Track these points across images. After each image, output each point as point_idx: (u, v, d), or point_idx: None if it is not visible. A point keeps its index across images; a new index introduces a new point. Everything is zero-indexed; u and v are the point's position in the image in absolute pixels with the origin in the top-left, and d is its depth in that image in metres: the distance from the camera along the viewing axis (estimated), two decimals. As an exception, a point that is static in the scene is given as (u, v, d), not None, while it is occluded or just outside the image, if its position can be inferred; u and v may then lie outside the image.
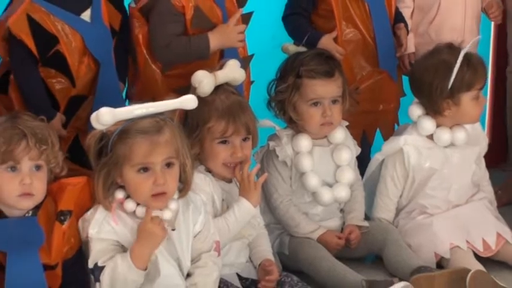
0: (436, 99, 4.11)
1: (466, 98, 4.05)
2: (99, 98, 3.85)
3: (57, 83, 3.85)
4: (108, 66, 3.90)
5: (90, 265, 3.32)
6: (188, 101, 3.38)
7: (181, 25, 4.01)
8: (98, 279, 3.31)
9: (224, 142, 3.70)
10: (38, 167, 3.30)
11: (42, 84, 3.82)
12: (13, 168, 3.26)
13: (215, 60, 4.00)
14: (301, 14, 4.35)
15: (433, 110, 4.14)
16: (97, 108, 3.59)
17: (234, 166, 3.71)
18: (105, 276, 3.30)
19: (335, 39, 4.27)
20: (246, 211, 3.68)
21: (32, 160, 3.27)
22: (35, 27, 3.75)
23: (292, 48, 4.11)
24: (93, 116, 3.29)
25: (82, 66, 3.85)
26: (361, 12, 4.34)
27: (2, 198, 3.30)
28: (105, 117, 3.27)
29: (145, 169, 3.30)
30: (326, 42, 4.22)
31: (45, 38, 3.77)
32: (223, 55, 4.02)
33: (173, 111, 3.42)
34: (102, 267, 3.30)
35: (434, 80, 4.09)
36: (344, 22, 4.31)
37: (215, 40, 3.96)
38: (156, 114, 3.36)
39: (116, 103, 3.55)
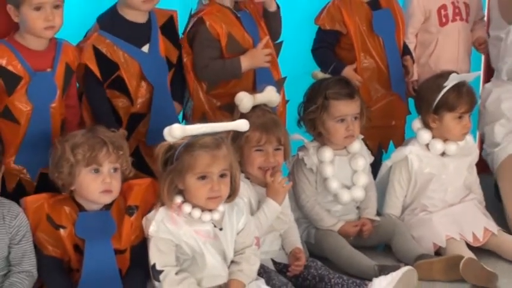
0: (424, 113, 4.16)
1: (449, 117, 4.09)
2: (154, 116, 3.87)
3: (120, 102, 3.86)
4: (162, 90, 3.89)
5: (151, 263, 3.37)
6: (241, 124, 3.46)
7: (218, 50, 3.98)
8: (156, 279, 3.36)
9: (259, 150, 3.73)
10: (115, 169, 3.39)
11: (108, 103, 3.83)
12: (96, 170, 3.35)
13: (249, 79, 4.01)
14: (327, 47, 4.33)
15: (423, 122, 4.17)
16: (153, 124, 3.82)
17: (267, 170, 3.74)
18: (167, 285, 3.33)
19: (355, 69, 4.26)
20: (274, 210, 3.70)
21: (111, 163, 3.37)
22: (99, 55, 3.76)
23: (321, 75, 4.15)
24: (166, 130, 3.35)
25: (140, 88, 3.86)
26: (376, 45, 4.33)
27: (86, 194, 3.38)
28: (176, 132, 3.34)
29: (203, 177, 3.35)
30: (348, 72, 4.23)
31: (107, 65, 3.78)
32: (256, 75, 4.01)
33: (227, 131, 3.50)
34: (161, 271, 3.34)
35: (425, 97, 4.15)
36: (362, 53, 4.30)
37: (246, 62, 3.95)
38: (215, 132, 3.42)
39: (169, 120, 3.62)
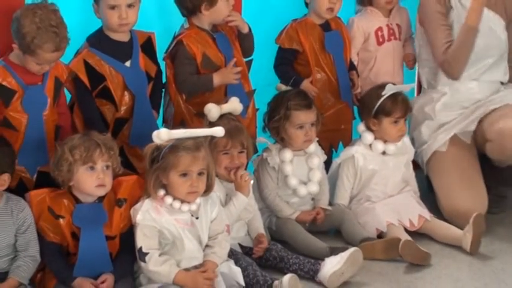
0: (366, 118, 4.22)
1: (386, 122, 4.13)
2: (136, 121, 3.87)
3: (107, 109, 3.85)
4: (143, 98, 3.88)
5: (137, 246, 3.41)
6: (217, 131, 3.49)
7: (194, 66, 3.98)
8: (142, 260, 3.39)
9: (226, 153, 3.75)
10: (107, 167, 3.41)
11: (97, 110, 3.83)
12: (91, 168, 3.38)
13: (221, 91, 4.01)
14: (287, 64, 4.33)
15: (366, 126, 4.21)
16: (135, 128, 3.84)
17: (231, 170, 3.76)
18: (150, 266, 3.37)
19: (310, 81, 4.29)
20: (242, 201, 3.74)
21: (104, 162, 3.39)
22: (89, 68, 3.76)
23: (284, 87, 4.16)
24: (155, 133, 3.39)
25: (123, 97, 3.85)
26: (327, 61, 4.33)
27: (83, 188, 3.40)
28: (163, 135, 3.38)
29: (185, 175, 3.40)
30: (306, 84, 4.24)
31: (96, 77, 3.77)
32: (227, 87, 4.01)
33: (205, 136, 3.54)
34: (146, 253, 3.38)
35: (367, 104, 4.21)
36: (316, 68, 4.31)
37: (217, 78, 3.96)
38: (196, 137, 3.47)
39: (149, 124, 3.77)
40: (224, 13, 4.00)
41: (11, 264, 3.40)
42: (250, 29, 4.08)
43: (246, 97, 4.02)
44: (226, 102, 3.84)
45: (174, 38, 4.00)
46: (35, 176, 3.68)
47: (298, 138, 4.06)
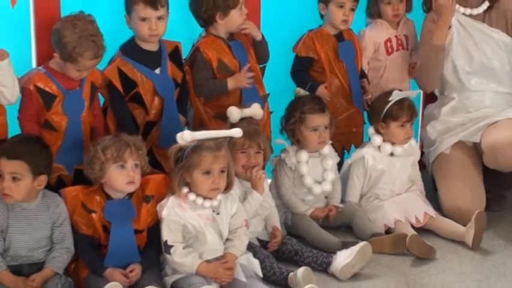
0: (375, 122, 4.20)
1: (393, 125, 4.12)
2: (164, 123, 3.88)
3: (138, 113, 3.86)
4: (170, 103, 3.89)
5: (163, 239, 3.43)
6: (236, 132, 3.53)
7: (210, 71, 3.97)
8: (168, 252, 3.41)
9: (243, 152, 3.75)
10: (136, 165, 3.43)
11: (129, 113, 3.84)
12: (122, 166, 3.40)
13: (237, 95, 4.01)
14: (303, 70, 4.31)
15: (375, 129, 4.20)
16: (163, 130, 3.85)
17: (248, 168, 3.76)
18: (175, 257, 3.40)
19: (326, 87, 4.29)
20: (256, 198, 3.72)
21: (133, 161, 3.42)
22: (122, 75, 3.78)
23: (302, 92, 4.16)
24: (179, 135, 3.42)
25: (153, 102, 3.87)
26: (341, 69, 4.31)
27: (114, 185, 3.43)
28: (186, 137, 3.41)
29: (207, 173, 3.41)
30: (321, 90, 4.23)
31: (128, 83, 3.79)
32: (242, 91, 4.00)
33: (225, 137, 3.56)
34: (171, 246, 3.40)
35: (376, 109, 4.20)
36: (330, 75, 4.30)
37: (231, 82, 3.95)
38: (216, 138, 3.48)
39: (176, 127, 3.78)
40: (238, 22, 4.00)
41: (47, 255, 3.43)
42: (263, 37, 4.07)
43: (261, 100, 4.02)
44: (248, 107, 3.85)
45: (193, 45, 4.01)
46: (73, 173, 3.70)
47: (312, 140, 4.07)
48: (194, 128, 3.91)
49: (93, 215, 3.48)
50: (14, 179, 3.32)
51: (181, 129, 3.73)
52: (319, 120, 4.06)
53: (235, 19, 3.99)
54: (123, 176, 3.42)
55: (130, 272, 3.43)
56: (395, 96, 4.13)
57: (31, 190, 3.38)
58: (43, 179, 3.39)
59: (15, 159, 3.32)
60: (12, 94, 3.51)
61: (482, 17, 4.32)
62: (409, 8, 4.49)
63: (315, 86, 4.26)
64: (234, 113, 3.79)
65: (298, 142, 4.11)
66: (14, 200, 3.36)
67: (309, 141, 4.09)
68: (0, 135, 3.56)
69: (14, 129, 3.65)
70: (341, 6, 4.25)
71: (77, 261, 3.51)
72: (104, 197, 3.49)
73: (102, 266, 3.43)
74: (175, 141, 3.51)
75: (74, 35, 3.53)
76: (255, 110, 3.86)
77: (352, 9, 4.29)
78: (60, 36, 3.54)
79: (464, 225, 4.01)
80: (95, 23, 3.61)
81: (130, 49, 3.83)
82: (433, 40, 4.28)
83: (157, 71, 3.86)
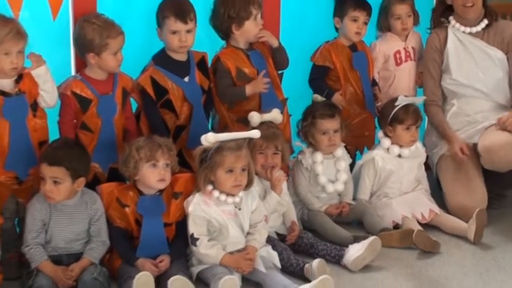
0: (384, 126, 4.23)
1: (399, 128, 4.14)
2: (193, 127, 3.87)
3: (168, 117, 3.86)
4: (198, 108, 3.89)
5: (189, 232, 3.45)
6: (254, 134, 3.55)
7: (230, 79, 3.95)
8: (194, 244, 3.43)
9: (261, 153, 3.77)
10: (167, 165, 3.46)
11: (160, 118, 3.84)
12: (154, 165, 3.43)
13: (256, 100, 3.98)
14: (320, 78, 4.30)
15: (384, 133, 4.22)
16: (192, 133, 3.84)
17: (267, 169, 3.78)
18: (201, 249, 3.42)
19: (341, 94, 4.29)
20: (274, 198, 3.75)
21: (164, 160, 3.44)
22: (154, 83, 3.79)
23: (320, 98, 4.19)
24: (203, 137, 3.46)
25: (183, 107, 3.87)
26: (354, 77, 4.32)
27: (146, 182, 3.46)
28: (210, 138, 3.46)
29: (230, 171, 3.44)
30: (336, 97, 4.24)
31: (160, 90, 3.80)
32: (261, 96, 3.98)
33: (245, 138, 3.56)
34: (197, 238, 3.43)
35: (384, 114, 4.23)
36: (345, 83, 4.30)
37: (249, 88, 3.92)
38: (237, 139, 3.51)
39: (203, 130, 3.72)
40: (253, 31, 3.97)
41: (84, 246, 3.47)
42: (280, 44, 4.03)
43: (280, 105, 4.02)
44: (269, 112, 3.87)
45: (214, 56, 4.03)
46: (107, 171, 3.72)
47: (322, 143, 4.08)
48: (219, 132, 3.81)
49: (127, 209, 3.51)
50: (55, 182, 3.36)
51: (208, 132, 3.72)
52: (328, 124, 4.07)
53: (250, 29, 3.96)
54: (155, 174, 3.45)
55: (160, 262, 3.44)
56: (401, 102, 4.15)
57: (71, 191, 3.42)
58: (82, 181, 3.43)
59: (55, 166, 3.34)
60: (51, 98, 3.55)
61: (481, 35, 4.31)
62: (416, 22, 4.47)
63: (331, 93, 4.27)
64: (255, 117, 3.83)
65: (311, 144, 4.13)
66: (56, 201, 3.40)
67: (319, 143, 4.10)
68: (41, 137, 3.58)
69: (53, 131, 3.69)
70: (355, 20, 4.27)
71: (111, 252, 3.53)
72: (136, 193, 3.52)
73: (134, 257, 3.45)
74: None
75: (94, 25, 3.57)
76: (274, 115, 3.88)
77: (365, 23, 4.29)
78: (83, 37, 3.59)
79: (467, 222, 4.00)
80: (102, 15, 3.66)
81: (162, 59, 3.85)
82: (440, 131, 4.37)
83: (186, 79, 3.87)
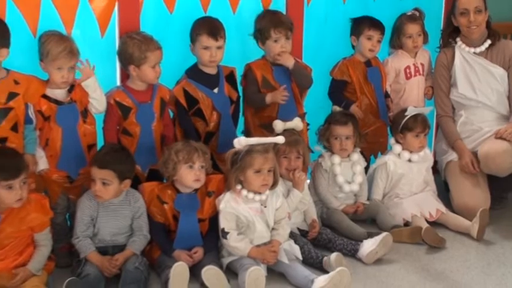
0: (395, 133, 4.24)
1: (409, 136, 4.15)
2: (221, 133, 3.88)
3: (199, 125, 3.86)
4: (226, 117, 3.89)
5: (220, 227, 3.46)
6: (279, 139, 3.56)
7: (256, 87, 3.96)
8: (224, 238, 3.44)
9: (285, 157, 3.78)
10: (202, 166, 3.49)
11: (192, 125, 3.85)
12: (191, 166, 3.46)
13: (275, 109, 3.95)
14: (339, 91, 4.30)
15: (395, 139, 4.22)
16: (221, 139, 3.86)
17: (290, 171, 3.77)
18: (231, 242, 3.42)
19: (357, 106, 4.27)
20: (296, 195, 3.73)
21: (200, 162, 3.47)
22: (186, 94, 3.80)
23: (338, 109, 4.19)
24: (236, 140, 3.48)
25: (212, 116, 3.87)
26: (369, 90, 4.30)
27: (183, 182, 3.48)
28: (242, 142, 3.47)
29: (258, 171, 3.44)
30: (354, 108, 4.23)
31: (191, 100, 3.81)
32: (279, 108, 3.94)
33: (270, 142, 3.55)
34: (228, 232, 3.43)
35: (395, 122, 4.23)
36: (361, 95, 4.29)
37: (269, 97, 3.90)
38: (264, 143, 3.51)
39: (231, 136, 3.74)
40: (273, 51, 3.96)
41: (128, 239, 3.50)
42: (296, 66, 3.96)
43: (298, 117, 3.98)
44: (291, 120, 3.87)
45: (246, 65, 4.03)
46: (147, 172, 3.72)
47: (335, 147, 4.09)
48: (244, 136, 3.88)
49: (166, 205, 3.52)
50: (104, 183, 3.40)
51: (236, 138, 3.69)
52: (340, 130, 4.06)
53: (270, 48, 3.98)
54: (191, 175, 3.48)
55: (194, 253, 3.47)
56: (411, 112, 4.16)
57: (118, 191, 3.45)
58: (127, 182, 3.46)
59: (104, 169, 3.39)
60: (100, 104, 3.59)
61: (485, 54, 4.29)
62: (425, 41, 4.45)
63: (349, 104, 4.26)
64: (278, 125, 3.85)
65: (327, 148, 4.13)
66: (104, 200, 3.44)
67: (332, 147, 4.10)
68: (90, 141, 3.62)
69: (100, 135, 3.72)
70: (369, 39, 4.27)
71: (151, 244, 3.55)
72: (174, 191, 3.54)
73: (171, 248, 3.47)
74: (231, 148, 3.55)
75: (135, 40, 3.60)
76: (296, 123, 3.89)
77: (379, 41, 4.29)
78: (125, 51, 3.62)
79: (470, 221, 3.99)
80: (143, 32, 3.67)
81: (194, 72, 3.86)
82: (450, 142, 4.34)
83: (215, 90, 3.88)
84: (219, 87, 3.89)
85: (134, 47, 3.61)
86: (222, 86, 3.91)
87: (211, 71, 3.89)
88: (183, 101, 3.81)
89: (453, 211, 4.20)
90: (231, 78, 3.96)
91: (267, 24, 3.94)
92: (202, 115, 3.86)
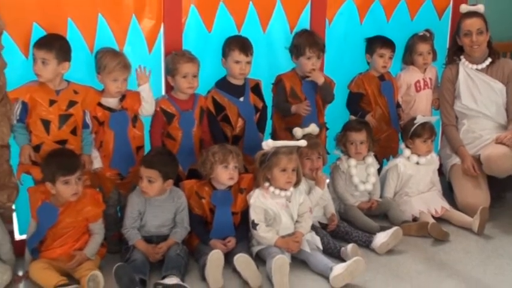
0: (405, 139, 4.21)
1: (418, 141, 4.12)
2: (246, 137, 3.85)
3: (227, 129, 3.83)
4: (251, 123, 3.86)
5: (251, 219, 3.46)
6: (302, 143, 3.59)
7: (285, 96, 3.93)
8: (254, 229, 3.44)
9: (308, 159, 3.76)
10: (235, 167, 3.51)
11: (221, 129, 3.82)
12: (226, 166, 3.48)
13: (299, 117, 3.91)
14: (355, 103, 4.26)
15: (405, 144, 4.20)
16: (246, 142, 3.81)
17: (313, 170, 3.76)
18: (260, 232, 3.42)
19: (372, 115, 4.24)
20: (317, 193, 3.72)
21: (233, 163, 3.50)
22: (215, 102, 3.79)
23: (354, 118, 4.16)
24: (264, 142, 3.49)
25: (238, 121, 3.83)
26: (382, 101, 4.27)
27: (219, 180, 3.50)
28: (270, 144, 3.48)
29: (284, 170, 3.44)
30: (369, 117, 4.20)
31: (219, 107, 3.79)
32: (304, 117, 3.91)
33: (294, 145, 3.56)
34: (257, 224, 3.43)
35: (406, 129, 4.20)
36: (375, 106, 4.26)
37: (293, 108, 3.88)
38: (289, 146, 3.52)
39: (255, 140, 3.78)
40: (304, 67, 3.94)
41: (170, 231, 3.52)
42: (325, 83, 3.95)
43: (319, 125, 3.97)
44: (307, 126, 3.83)
45: (277, 76, 4.03)
46: (187, 171, 3.72)
47: (350, 151, 4.06)
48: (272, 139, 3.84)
49: (203, 200, 3.54)
50: (149, 181, 3.42)
51: (260, 143, 3.71)
52: (355, 136, 4.04)
53: (302, 64, 3.96)
54: (226, 174, 3.49)
55: (228, 242, 3.48)
56: (419, 120, 4.14)
57: (161, 189, 3.46)
58: (170, 182, 3.47)
59: (150, 168, 3.41)
60: (151, 107, 3.61)
61: (486, 70, 4.25)
62: (434, 58, 4.43)
63: (364, 114, 4.25)
64: (298, 132, 3.80)
65: (343, 152, 4.10)
66: (149, 196, 3.45)
67: (349, 151, 4.07)
68: (138, 143, 3.64)
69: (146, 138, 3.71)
70: (381, 56, 4.25)
71: (190, 234, 3.57)
72: (211, 188, 3.55)
73: (208, 238, 3.49)
74: (255, 151, 3.57)
75: (172, 55, 3.63)
76: (312, 128, 3.84)
77: (390, 58, 4.26)
78: (166, 65, 3.66)
79: (472, 217, 3.97)
80: (188, 52, 3.67)
81: (222, 83, 3.85)
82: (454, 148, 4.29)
83: (241, 99, 3.85)
84: (244, 96, 3.87)
85: (169, 60, 3.65)
86: (248, 95, 3.88)
87: (238, 82, 3.87)
88: (212, 108, 3.80)
89: (457, 208, 4.16)
90: (256, 89, 3.93)
91: (304, 42, 3.93)
92: (228, 120, 3.84)
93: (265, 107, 3.97)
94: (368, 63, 4.36)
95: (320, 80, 3.97)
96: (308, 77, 3.99)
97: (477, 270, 3.52)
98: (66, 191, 3.25)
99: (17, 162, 3.39)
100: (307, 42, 3.92)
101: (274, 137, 3.95)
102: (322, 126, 4.07)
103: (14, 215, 3.48)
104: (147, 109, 3.60)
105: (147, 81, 3.56)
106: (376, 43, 4.26)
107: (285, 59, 4.07)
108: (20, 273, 3.31)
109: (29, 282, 3.22)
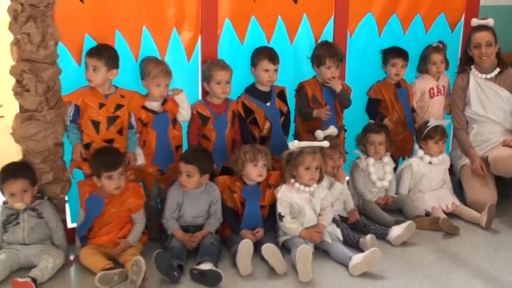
0: (419, 140, 4.16)
1: (430, 142, 4.08)
2: (273, 138, 3.83)
3: (255, 131, 3.81)
4: (276, 125, 3.84)
5: (278, 211, 3.45)
6: (324, 143, 3.57)
7: (307, 101, 3.90)
8: (281, 220, 3.43)
9: (330, 158, 3.74)
10: (264, 165, 3.51)
11: (250, 131, 3.80)
12: (255, 164, 3.48)
13: (320, 121, 3.87)
14: (374, 108, 4.23)
15: (419, 145, 4.16)
16: (272, 142, 3.78)
17: (335, 168, 3.75)
18: (286, 224, 3.41)
19: (389, 119, 4.21)
20: (337, 187, 3.70)
21: (262, 162, 3.49)
22: (244, 106, 3.78)
23: (373, 122, 4.14)
24: (291, 143, 3.47)
25: (265, 124, 3.82)
26: (399, 106, 4.24)
27: (250, 176, 3.51)
28: (295, 144, 3.46)
29: (308, 168, 3.43)
30: (386, 121, 4.17)
31: (248, 111, 3.78)
32: (324, 120, 3.87)
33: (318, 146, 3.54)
34: (283, 216, 3.42)
35: (419, 132, 4.15)
36: (392, 110, 4.21)
37: (315, 113, 3.85)
38: (313, 146, 3.50)
39: (280, 141, 3.79)
40: (325, 75, 3.92)
41: (205, 221, 3.52)
42: (343, 90, 3.94)
43: (338, 127, 3.95)
44: (327, 129, 3.80)
45: (299, 83, 4.00)
46: (220, 168, 3.73)
47: (370, 151, 4.04)
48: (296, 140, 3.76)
49: (235, 194, 3.55)
50: (188, 175, 3.44)
51: (285, 143, 3.72)
52: (374, 137, 4.01)
53: (322, 72, 3.94)
54: (256, 171, 3.51)
55: (257, 232, 3.48)
56: (432, 123, 4.11)
57: (198, 183, 3.48)
58: (206, 176, 3.49)
59: (189, 164, 3.42)
60: (187, 113, 3.63)
61: (494, 79, 4.20)
62: (447, 67, 4.39)
63: (382, 118, 4.23)
64: (320, 134, 3.77)
65: (363, 152, 4.08)
66: (188, 189, 3.47)
67: (368, 151, 4.04)
68: (177, 143, 3.66)
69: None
70: (394, 65, 4.21)
71: (223, 225, 3.57)
72: (242, 183, 3.56)
73: (239, 228, 3.49)
74: (280, 150, 3.56)
75: (208, 63, 3.63)
76: (331, 130, 3.81)
77: (402, 67, 4.22)
78: (202, 72, 3.66)
79: (480, 213, 3.93)
80: (222, 61, 3.65)
81: (251, 90, 3.84)
82: (464, 150, 4.25)
83: (268, 104, 3.84)
84: (271, 101, 3.86)
85: (205, 68, 3.67)
86: (274, 100, 3.87)
87: (266, 89, 3.86)
88: (242, 111, 3.81)
89: (466, 205, 4.13)
90: (281, 95, 3.92)
91: (324, 52, 3.92)
92: (257, 123, 3.84)
93: (289, 111, 3.95)
94: (385, 72, 4.33)
95: (338, 88, 3.95)
96: (328, 83, 3.97)
97: (485, 262, 3.50)
98: (109, 185, 3.28)
99: (70, 159, 3.43)
100: (327, 53, 3.91)
101: (297, 138, 3.86)
102: (341, 129, 4.06)
103: (67, 205, 3.51)
104: (183, 115, 3.62)
105: (180, 93, 3.58)
106: (388, 54, 4.25)
107: (309, 68, 4.06)
108: (71, 258, 3.36)
109: (79, 265, 3.27)
